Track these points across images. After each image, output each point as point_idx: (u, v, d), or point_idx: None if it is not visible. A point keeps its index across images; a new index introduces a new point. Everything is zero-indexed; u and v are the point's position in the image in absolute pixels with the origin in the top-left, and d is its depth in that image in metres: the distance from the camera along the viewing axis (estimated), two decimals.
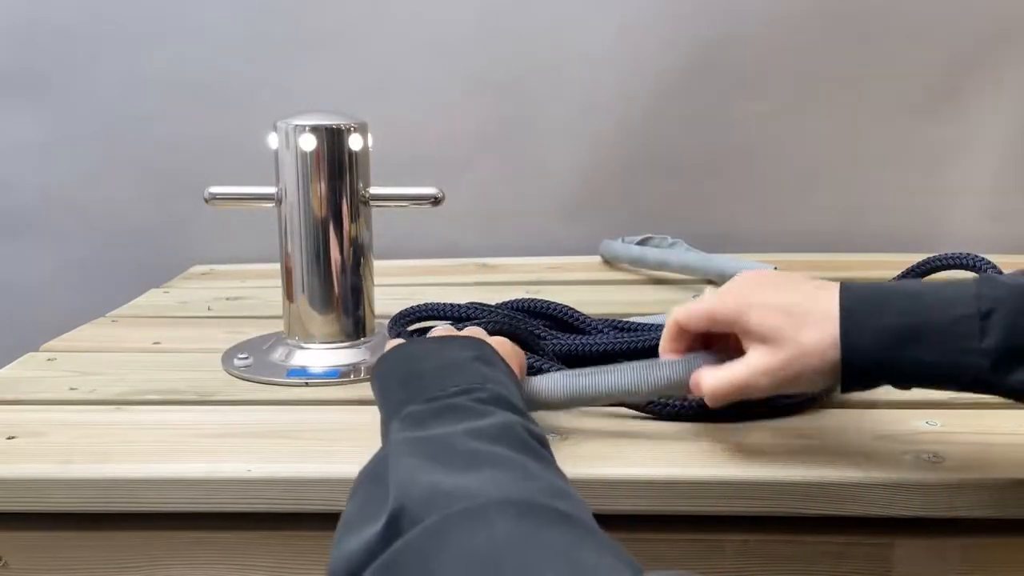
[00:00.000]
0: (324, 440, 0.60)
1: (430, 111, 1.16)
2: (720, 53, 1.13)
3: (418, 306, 0.75)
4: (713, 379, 0.52)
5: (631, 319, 0.79)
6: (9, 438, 0.60)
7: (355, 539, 0.37)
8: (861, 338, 0.48)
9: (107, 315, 0.94)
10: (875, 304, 0.49)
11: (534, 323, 0.75)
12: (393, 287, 0.99)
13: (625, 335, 0.72)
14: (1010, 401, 0.47)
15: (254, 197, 0.77)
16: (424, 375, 0.50)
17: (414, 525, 0.35)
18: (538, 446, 0.44)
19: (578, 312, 0.78)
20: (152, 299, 1.01)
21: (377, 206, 0.77)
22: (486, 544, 0.33)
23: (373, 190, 0.76)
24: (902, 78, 1.15)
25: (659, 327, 0.64)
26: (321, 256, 0.75)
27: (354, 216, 0.75)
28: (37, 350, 0.81)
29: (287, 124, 0.73)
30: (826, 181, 1.18)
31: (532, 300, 0.79)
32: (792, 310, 0.50)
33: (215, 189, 0.76)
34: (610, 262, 1.13)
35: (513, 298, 0.79)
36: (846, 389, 0.50)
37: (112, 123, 1.17)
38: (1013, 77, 1.14)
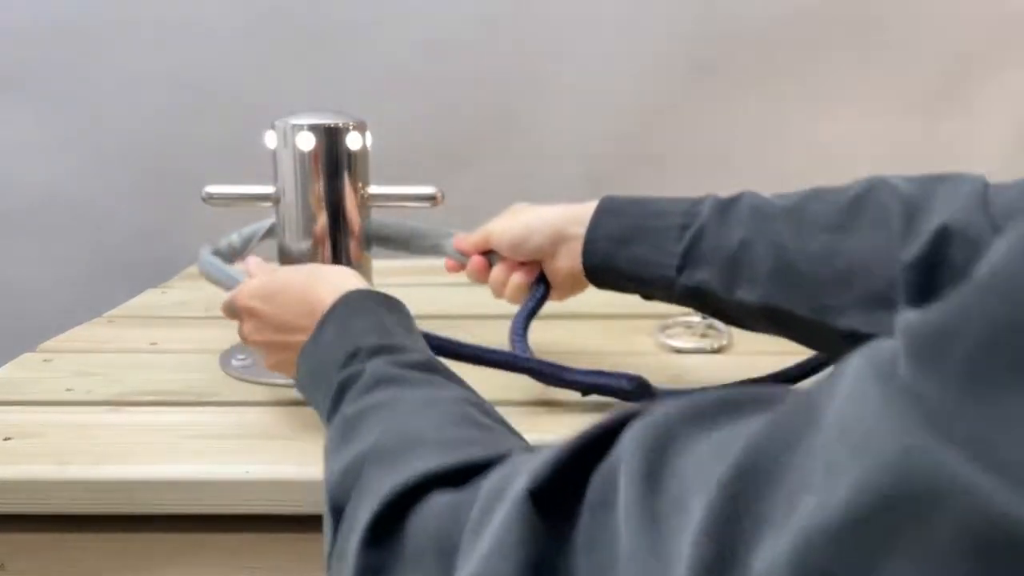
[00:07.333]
0: (323, 441, 0.60)
1: (430, 111, 1.16)
2: (721, 53, 1.13)
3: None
4: None
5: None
6: (5, 439, 0.60)
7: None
8: (596, 239, 0.62)
9: (104, 315, 0.93)
10: (615, 211, 0.62)
11: None
12: (393, 287, 0.98)
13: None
14: None
15: (252, 197, 0.77)
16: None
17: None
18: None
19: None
20: (149, 299, 1.01)
21: (377, 206, 0.77)
22: None
23: (372, 189, 0.76)
24: (903, 78, 1.14)
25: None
26: (320, 256, 0.74)
27: (353, 216, 0.75)
28: (34, 350, 0.81)
29: (285, 123, 0.73)
30: (826, 181, 1.18)
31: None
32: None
33: (212, 189, 0.76)
34: None
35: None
36: (591, 280, 0.65)
37: (111, 123, 1.16)
38: (1014, 77, 1.13)
